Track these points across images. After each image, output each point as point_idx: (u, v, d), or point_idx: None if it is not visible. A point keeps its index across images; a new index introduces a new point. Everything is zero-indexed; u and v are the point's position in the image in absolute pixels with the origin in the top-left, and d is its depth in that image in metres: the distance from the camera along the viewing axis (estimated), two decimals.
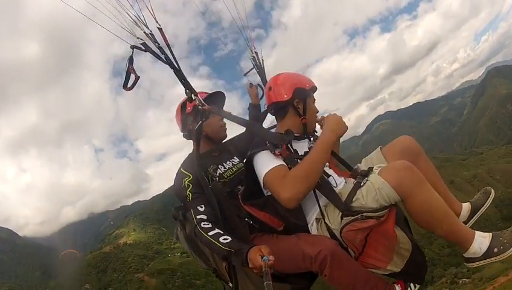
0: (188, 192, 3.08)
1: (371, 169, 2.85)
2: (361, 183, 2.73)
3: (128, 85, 3.04)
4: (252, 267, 2.53)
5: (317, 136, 3.33)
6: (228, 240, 2.76)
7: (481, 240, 2.66)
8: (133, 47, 2.97)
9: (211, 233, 2.84)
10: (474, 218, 3.14)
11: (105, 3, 2.82)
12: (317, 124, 3.22)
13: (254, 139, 3.10)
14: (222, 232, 2.84)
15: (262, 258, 2.43)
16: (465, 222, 3.09)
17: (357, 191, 2.70)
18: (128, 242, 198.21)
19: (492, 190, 3.22)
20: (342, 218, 2.70)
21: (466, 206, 3.18)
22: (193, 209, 3.03)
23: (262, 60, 4.41)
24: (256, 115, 4.12)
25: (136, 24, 2.97)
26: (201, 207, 3.02)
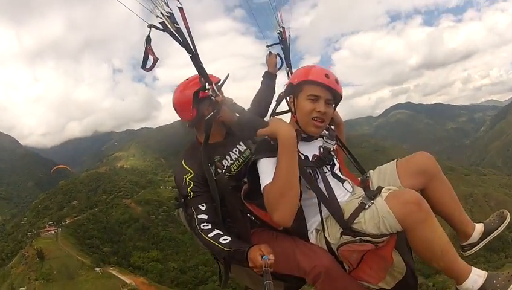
0: (189, 190, 2.96)
1: (378, 191, 2.67)
2: (366, 206, 2.62)
3: (147, 67, 2.95)
4: (252, 266, 2.52)
5: (328, 130, 3.14)
6: (228, 241, 2.74)
7: (475, 279, 2.58)
8: (150, 26, 2.82)
9: (210, 235, 2.81)
10: (484, 241, 3.03)
11: None
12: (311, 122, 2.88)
13: (258, 122, 3.02)
14: (222, 233, 2.81)
15: (262, 257, 2.43)
16: (475, 244, 3.03)
17: (360, 214, 2.61)
18: (125, 166, 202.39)
19: (508, 215, 3.03)
20: (341, 235, 2.64)
21: (479, 228, 3.03)
22: (194, 209, 2.95)
23: (289, 36, 4.27)
24: (269, 84, 4.05)
25: (156, 2, 2.80)
26: (203, 206, 2.94)
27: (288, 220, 2.60)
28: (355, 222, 2.59)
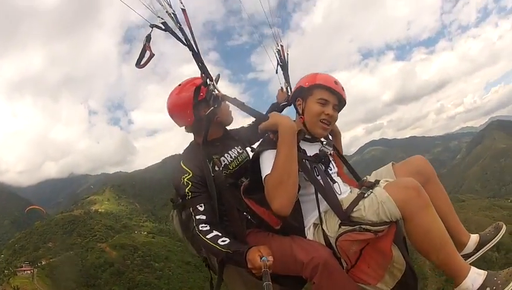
0: (187, 190, 2.95)
1: (377, 182, 2.73)
2: (365, 195, 2.63)
3: (142, 63, 3.01)
4: (251, 267, 2.51)
5: (326, 138, 3.30)
6: (227, 242, 2.72)
7: (475, 277, 2.51)
8: (152, 26, 2.91)
9: (209, 236, 2.79)
10: (480, 252, 2.98)
11: None
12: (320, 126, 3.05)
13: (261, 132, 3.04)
14: (220, 234, 2.79)
15: (261, 258, 2.43)
16: (470, 254, 2.97)
17: (359, 202, 2.61)
18: (99, 210, 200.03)
19: (503, 225, 3.04)
20: (340, 226, 2.62)
21: (474, 238, 3.01)
22: (192, 209, 2.93)
23: (288, 54, 4.28)
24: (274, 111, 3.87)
25: (160, 2, 2.92)
26: (201, 206, 2.92)
27: (286, 208, 2.65)
28: (354, 210, 2.60)
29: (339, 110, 3.13)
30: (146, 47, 2.96)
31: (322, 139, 3.19)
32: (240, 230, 2.94)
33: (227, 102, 3.16)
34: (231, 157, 3.21)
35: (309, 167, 2.87)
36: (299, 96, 3.11)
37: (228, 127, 3.39)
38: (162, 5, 2.92)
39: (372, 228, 2.51)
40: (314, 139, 3.11)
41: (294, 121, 3.09)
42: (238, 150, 3.32)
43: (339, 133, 3.59)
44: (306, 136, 3.07)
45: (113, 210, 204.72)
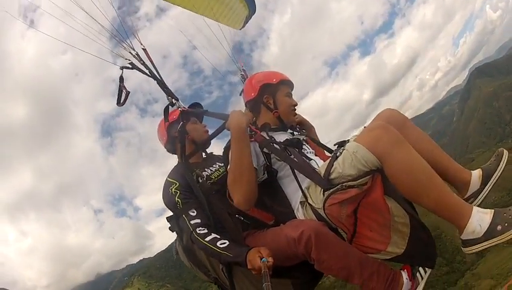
0: (176, 199, 3.10)
1: (348, 140, 2.71)
2: (337, 154, 2.60)
3: (121, 101, 3.45)
4: (251, 268, 2.53)
5: (299, 128, 3.65)
6: (226, 244, 2.76)
7: (481, 216, 2.30)
8: (122, 68, 3.40)
9: (207, 239, 2.84)
10: (488, 184, 2.70)
11: (98, 35, 3.39)
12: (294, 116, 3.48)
13: None
14: (219, 237, 2.83)
15: (261, 259, 2.44)
16: (479, 191, 2.70)
17: (334, 163, 2.57)
18: None
19: (504, 151, 2.80)
20: (323, 194, 2.57)
21: (476, 173, 2.75)
22: (185, 215, 3.03)
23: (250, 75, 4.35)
24: None
25: (124, 48, 3.47)
26: (193, 212, 3.03)
27: (243, 203, 2.75)
28: (331, 171, 2.55)
29: None
30: (121, 87, 3.40)
31: (294, 132, 3.46)
32: (235, 233, 2.99)
33: (199, 123, 3.66)
34: (211, 170, 3.43)
35: (278, 148, 2.94)
36: (265, 93, 3.37)
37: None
38: (126, 50, 3.46)
39: (354, 182, 2.42)
40: (281, 128, 3.36)
41: (263, 118, 3.38)
42: (220, 163, 3.53)
43: (312, 126, 3.85)
44: (272, 126, 3.30)
45: None
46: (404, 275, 2.57)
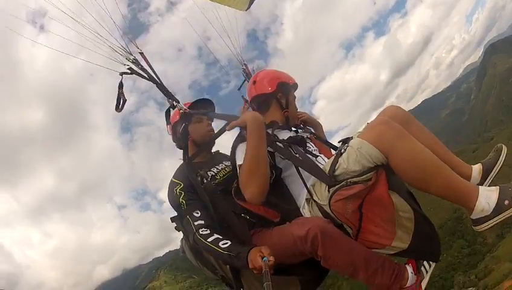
0: (181, 200, 3.09)
1: (351, 137, 2.71)
2: (342, 150, 2.61)
3: (120, 107, 3.41)
4: (252, 268, 2.52)
5: (302, 128, 3.62)
6: (228, 244, 2.75)
7: (488, 194, 2.36)
8: (121, 74, 3.34)
9: (210, 239, 2.83)
10: (488, 178, 2.79)
11: (93, 41, 3.31)
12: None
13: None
14: (221, 237, 2.82)
15: (262, 259, 2.43)
16: (479, 185, 2.68)
17: (339, 159, 2.57)
18: None
19: (503, 146, 2.89)
20: (329, 191, 2.56)
21: (477, 168, 2.84)
22: (189, 216, 3.02)
23: (254, 70, 4.27)
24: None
25: (122, 54, 3.39)
26: (197, 213, 3.01)
27: (258, 196, 2.73)
28: (336, 168, 2.56)
29: None
30: (120, 94, 3.37)
31: (299, 130, 3.53)
32: (242, 232, 2.95)
33: (203, 121, 3.58)
34: (217, 169, 3.40)
35: (282, 146, 2.96)
36: (280, 92, 3.37)
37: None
38: (124, 56, 3.39)
39: (359, 178, 2.44)
40: (285, 127, 3.36)
41: (272, 114, 3.37)
42: (226, 163, 3.51)
43: (319, 123, 3.85)
44: (280, 125, 3.31)
45: (174, 289, 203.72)
46: (409, 269, 2.60)
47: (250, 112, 3.16)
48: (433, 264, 2.68)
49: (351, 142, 2.58)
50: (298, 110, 3.60)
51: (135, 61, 3.43)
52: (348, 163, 2.49)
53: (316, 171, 2.71)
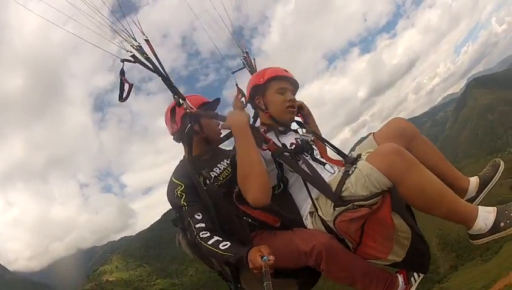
0: (182, 202, 3.03)
1: (359, 156, 2.75)
2: (350, 172, 2.63)
3: (124, 96, 3.12)
4: (252, 267, 2.55)
5: (306, 127, 3.48)
6: (227, 246, 2.76)
7: (486, 216, 2.49)
8: (123, 60, 3.06)
9: (210, 242, 2.83)
10: (483, 192, 2.93)
11: (96, 23, 3.00)
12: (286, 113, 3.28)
13: None
14: (221, 239, 2.83)
15: (262, 258, 2.45)
16: (474, 197, 2.91)
17: (346, 181, 2.60)
18: (110, 279, 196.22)
19: (501, 162, 3.00)
20: (334, 209, 2.62)
21: (474, 181, 2.95)
22: (191, 219, 2.98)
23: (254, 59, 4.20)
24: None
25: (125, 39, 3.08)
26: (199, 215, 2.97)
27: (260, 199, 2.70)
28: (343, 189, 2.59)
29: (295, 94, 3.38)
30: (123, 80, 3.08)
31: (297, 129, 3.42)
32: (244, 235, 2.95)
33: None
34: (220, 169, 3.29)
35: (290, 158, 2.93)
36: (256, 95, 3.30)
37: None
38: (127, 41, 3.05)
39: (365, 202, 2.48)
40: (286, 129, 3.28)
41: (261, 119, 3.31)
42: (227, 162, 3.36)
43: (310, 113, 3.63)
44: (280, 128, 3.22)
45: (123, 276, 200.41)
46: (400, 278, 2.76)
47: (235, 112, 3.08)
48: (421, 275, 2.85)
49: (360, 164, 2.59)
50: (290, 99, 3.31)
51: (139, 49, 3.11)
52: (356, 188, 2.51)
53: (323, 187, 2.73)
